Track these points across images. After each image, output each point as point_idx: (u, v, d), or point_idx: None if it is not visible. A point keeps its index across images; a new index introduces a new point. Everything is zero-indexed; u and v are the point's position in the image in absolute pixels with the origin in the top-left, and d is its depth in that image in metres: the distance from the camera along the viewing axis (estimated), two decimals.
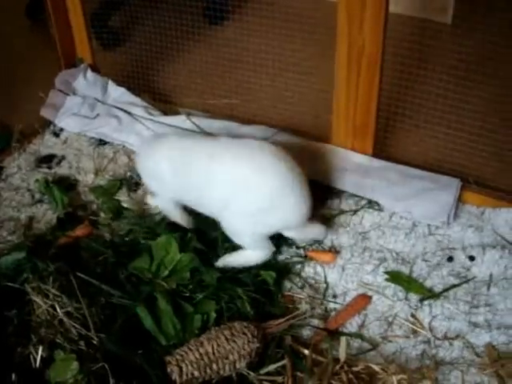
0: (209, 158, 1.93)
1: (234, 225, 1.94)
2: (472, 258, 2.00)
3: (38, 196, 2.30)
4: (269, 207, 1.88)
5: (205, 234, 2.04)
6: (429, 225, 2.11)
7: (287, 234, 2.03)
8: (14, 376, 1.62)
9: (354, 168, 2.27)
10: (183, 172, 1.98)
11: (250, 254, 1.98)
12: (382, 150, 2.35)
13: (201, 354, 1.65)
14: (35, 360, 1.67)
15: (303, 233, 2.03)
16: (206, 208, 2.01)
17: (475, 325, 1.83)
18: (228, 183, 1.89)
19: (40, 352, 1.68)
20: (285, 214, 1.91)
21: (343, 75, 2.17)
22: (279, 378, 1.67)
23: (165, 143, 2.05)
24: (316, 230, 2.05)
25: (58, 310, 1.75)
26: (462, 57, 2.25)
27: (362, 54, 2.10)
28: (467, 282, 1.94)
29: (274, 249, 1.99)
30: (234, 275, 1.92)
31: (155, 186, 2.11)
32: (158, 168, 2.01)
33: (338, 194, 2.24)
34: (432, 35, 2.33)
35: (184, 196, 2.03)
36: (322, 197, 2.22)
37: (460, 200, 2.16)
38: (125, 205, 2.22)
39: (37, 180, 2.33)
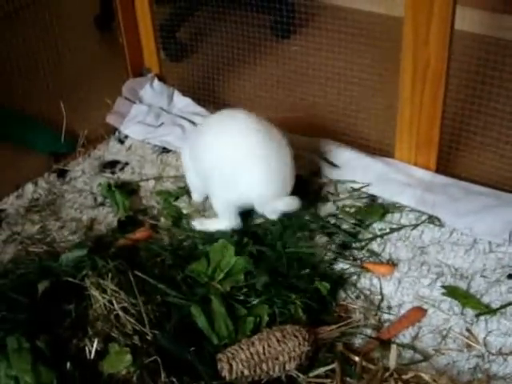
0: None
1: (213, 190, 2.22)
2: None
3: (100, 199, 2.45)
4: (238, 174, 2.13)
5: (260, 239, 2.17)
6: (490, 242, 2.16)
7: (258, 209, 2.23)
8: (68, 365, 1.74)
9: (416, 183, 2.35)
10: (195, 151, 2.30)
11: (219, 221, 2.24)
12: (446, 167, 2.42)
13: (251, 354, 1.74)
14: (90, 352, 1.79)
15: (274, 207, 2.20)
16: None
17: None
18: (213, 151, 2.18)
19: (95, 344, 1.79)
20: (253, 181, 2.14)
21: (407, 89, 2.26)
22: (328, 382, 1.75)
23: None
24: (286, 202, 2.20)
25: (115, 305, 1.86)
26: None
27: (427, 68, 2.19)
28: None
29: (239, 223, 2.23)
30: (288, 281, 2.02)
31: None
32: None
33: (400, 208, 2.31)
34: (503, 54, 2.40)
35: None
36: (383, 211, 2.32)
37: None
38: (185, 211, 2.36)
39: (100, 184, 2.49)
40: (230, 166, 2.13)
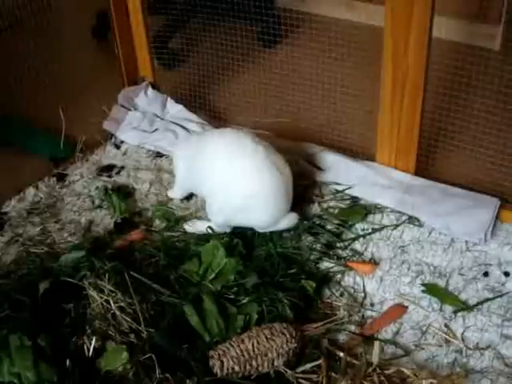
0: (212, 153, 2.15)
1: (213, 210, 2.16)
2: (507, 274, 2.05)
3: (97, 202, 2.42)
4: (248, 206, 2.08)
5: (249, 240, 2.17)
6: (467, 241, 2.16)
7: (259, 230, 2.18)
8: (68, 363, 1.73)
9: (397, 185, 2.34)
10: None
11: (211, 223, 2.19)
12: (424, 169, 2.41)
13: (241, 350, 1.73)
14: (88, 350, 1.78)
15: (276, 227, 2.17)
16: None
17: (506, 337, 1.87)
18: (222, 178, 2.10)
19: (93, 342, 1.78)
20: (262, 215, 2.11)
21: (388, 97, 2.24)
22: (314, 377, 1.75)
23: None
24: (286, 222, 2.18)
25: (112, 304, 1.85)
26: (508, 83, 2.30)
27: (406, 77, 2.17)
28: (501, 296, 1.99)
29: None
30: (276, 280, 2.00)
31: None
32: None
33: (381, 209, 2.30)
34: (478, 61, 2.39)
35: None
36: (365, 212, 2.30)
37: (499, 218, 2.21)
38: (178, 213, 2.34)
39: (97, 187, 2.47)
40: (240, 199, 2.08)
